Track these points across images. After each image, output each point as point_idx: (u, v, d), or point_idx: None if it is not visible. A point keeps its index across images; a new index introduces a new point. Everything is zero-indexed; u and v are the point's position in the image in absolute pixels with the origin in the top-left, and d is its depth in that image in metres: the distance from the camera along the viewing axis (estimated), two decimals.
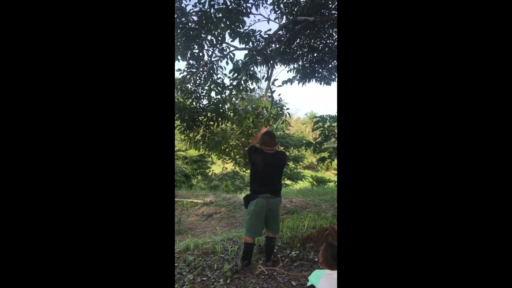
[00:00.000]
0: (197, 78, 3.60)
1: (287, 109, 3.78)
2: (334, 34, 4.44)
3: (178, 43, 3.31)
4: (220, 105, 3.54)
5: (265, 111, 3.42)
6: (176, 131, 3.49)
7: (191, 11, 3.37)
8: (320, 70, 5.18)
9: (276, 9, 4.12)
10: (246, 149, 3.72)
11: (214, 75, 3.69)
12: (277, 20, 4.30)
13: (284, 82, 5.40)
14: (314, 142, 4.31)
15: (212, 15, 3.32)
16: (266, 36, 4.01)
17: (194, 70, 3.56)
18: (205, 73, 3.64)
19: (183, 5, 3.24)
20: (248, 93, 3.98)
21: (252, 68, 3.73)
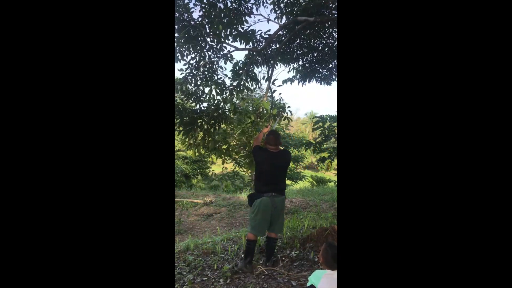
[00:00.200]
0: (198, 78, 3.59)
1: (289, 107, 3.78)
2: (334, 34, 4.44)
3: (181, 42, 3.31)
4: (221, 106, 3.54)
5: (265, 111, 3.42)
6: (175, 134, 3.49)
7: (192, 9, 3.36)
8: (320, 70, 5.18)
9: (276, 9, 4.12)
10: (247, 150, 3.72)
11: (215, 75, 3.69)
12: (277, 20, 4.30)
13: (284, 81, 5.40)
14: (314, 142, 4.31)
15: (212, 16, 3.32)
16: (267, 36, 4.01)
17: (194, 71, 3.55)
18: (206, 73, 3.64)
19: (186, 1, 3.23)
20: (249, 93, 3.98)
21: (252, 69, 3.73)
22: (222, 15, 3.29)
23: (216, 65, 3.68)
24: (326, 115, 4.19)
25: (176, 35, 3.26)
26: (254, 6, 3.79)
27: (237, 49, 3.70)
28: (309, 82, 5.32)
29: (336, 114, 4.06)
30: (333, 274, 1.53)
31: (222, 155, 3.69)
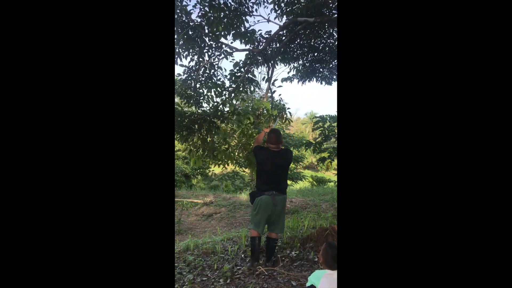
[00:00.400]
0: (197, 80, 3.58)
1: (288, 108, 3.78)
2: (335, 34, 4.44)
3: (179, 44, 3.30)
4: (220, 107, 3.54)
5: (265, 112, 3.42)
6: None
7: (191, 10, 3.36)
8: (321, 69, 5.17)
9: (277, 8, 4.11)
10: (246, 153, 3.71)
11: (214, 77, 3.68)
12: (277, 20, 4.31)
13: (284, 80, 5.39)
14: (314, 142, 4.31)
15: (212, 18, 3.31)
16: (267, 36, 4.01)
17: (192, 74, 3.54)
18: (205, 74, 3.63)
19: (184, 3, 3.22)
20: (248, 94, 3.98)
21: (252, 70, 3.73)
22: (222, 15, 3.28)
23: (216, 66, 3.67)
24: (326, 115, 4.19)
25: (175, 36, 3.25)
26: (254, 6, 3.79)
27: (237, 50, 3.70)
28: (310, 81, 5.32)
29: (336, 114, 4.06)
30: (333, 274, 1.53)
31: (220, 162, 3.69)
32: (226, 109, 3.55)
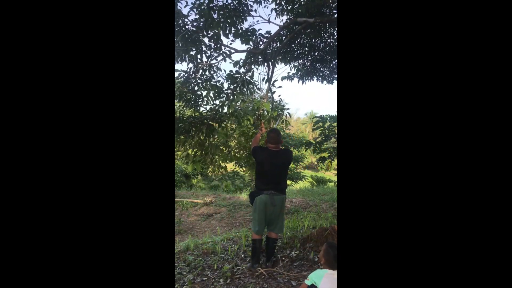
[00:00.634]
0: (195, 83, 3.57)
1: (287, 109, 3.78)
2: (335, 34, 4.44)
3: (177, 47, 3.30)
4: (219, 109, 3.53)
5: (265, 113, 3.41)
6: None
7: (189, 12, 3.36)
8: (322, 68, 5.18)
9: (277, 6, 4.11)
10: (246, 153, 3.71)
11: (212, 78, 3.67)
12: (277, 18, 4.32)
13: (284, 78, 5.39)
14: (314, 142, 4.31)
15: (213, 15, 3.31)
16: (267, 35, 4.01)
17: (190, 76, 3.53)
18: (204, 76, 3.62)
19: (178, 7, 3.21)
20: (247, 95, 3.97)
21: (251, 71, 3.72)
22: (221, 13, 3.28)
23: (215, 68, 3.66)
24: (326, 115, 4.19)
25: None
26: (254, 4, 3.79)
27: (236, 51, 3.69)
28: (311, 81, 5.33)
29: (336, 114, 4.06)
30: (334, 274, 1.53)
31: (218, 167, 3.68)
32: (225, 110, 3.55)
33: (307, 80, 5.37)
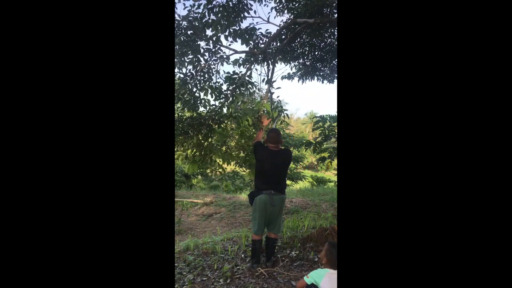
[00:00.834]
0: (194, 84, 3.56)
1: (285, 110, 3.79)
2: (336, 33, 4.44)
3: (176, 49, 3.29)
4: (218, 110, 3.53)
5: (266, 113, 3.41)
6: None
7: (188, 15, 3.35)
8: (322, 68, 5.18)
9: (277, 4, 4.11)
10: (245, 154, 3.70)
11: (211, 80, 3.67)
12: (277, 18, 4.32)
13: (284, 78, 5.38)
14: (314, 142, 4.31)
15: (212, 14, 3.30)
16: (267, 34, 4.01)
17: (188, 78, 3.52)
18: (203, 78, 3.61)
19: (176, 9, 3.22)
20: (247, 95, 3.96)
21: (250, 72, 3.72)
22: (220, 12, 3.27)
23: (213, 70, 3.65)
24: (326, 115, 4.19)
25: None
26: (253, 3, 3.79)
27: (236, 51, 3.69)
28: (311, 80, 5.33)
29: (336, 114, 4.06)
30: (335, 273, 1.53)
31: (216, 167, 3.68)
32: (224, 111, 3.55)
33: (307, 80, 5.38)
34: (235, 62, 3.70)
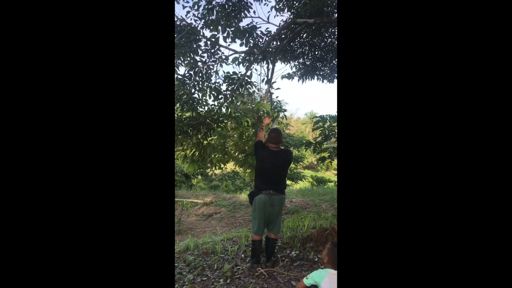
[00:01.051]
0: (193, 85, 3.56)
1: (284, 110, 3.78)
2: (336, 33, 4.44)
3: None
4: (217, 111, 3.53)
5: (266, 114, 3.41)
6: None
7: (188, 16, 3.36)
8: (322, 68, 5.18)
9: (278, 3, 4.11)
10: (244, 155, 3.70)
11: (210, 80, 3.67)
12: (277, 18, 4.33)
13: (284, 77, 5.38)
14: (314, 142, 4.30)
15: (211, 15, 3.30)
16: (267, 33, 4.01)
17: (187, 79, 3.52)
18: (202, 78, 3.60)
19: (176, 8, 3.23)
20: (246, 95, 3.96)
21: (250, 73, 3.72)
22: (220, 11, 3.27)
23: (212, 71, 3.64)
24: (326, 115, 4.18)
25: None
26: (253, 2, 3.81)
27: (235, 52, 3.69)
28: (311, 79, 5.33)
29: (336, 114, 4.06)
30: (336, 274, 1.53)
31: (216, 166, 3.68)
32: (223, 111, 3.54)
33: (307, 79, 5.37)
34: (234, 60, 3.69)
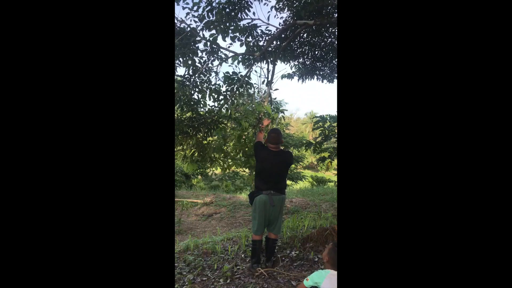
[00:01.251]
0: (192, 86, 3.55)
1: (282, 111, 3.79)
2: (336, 33, 4.44)
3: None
4: (217, 112, 3.53)
5: (266, 115, 3.41)
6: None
7: (187, 17, 3.35)
8: (322, 67, 5.18)
9: (278, 2, 4.11)
10: (244, 157, 3.70)
11: (210, 82, 3.66)
12: (277, 17, 4.33)
13: (284, 77, 5.38)
14: (314, 142, 4.30)
15: (211, 15, 3.30)
16: (267, 32, 4.02)
17: (186, 80, 3.52)
18: (201, 80, 3.60)
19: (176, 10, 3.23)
20: (247, 96, 3.96)
21: (249, 74, 3.72)
22: (220, 10, 3.27)
23: (211, 72, 3.64)
24: (326, 115, 4.18)
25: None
26: (253, 1, 3.81)
27: (236, 53, 3.69)
28: (311, 79, 5.32)
29: (336, 114, 4.06)
30: (336, 274, 1.53)
31: (217, 165, 3.69)
32: (223, 112, 3.54)
33: (307, 79, 5.37)
34: (234, 59, 3.69)
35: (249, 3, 3.65)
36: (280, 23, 4.36)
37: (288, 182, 10.93)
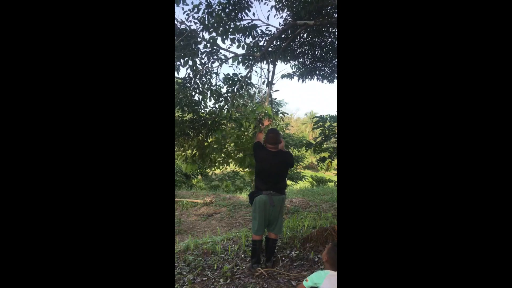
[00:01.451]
0: (193, 88, 3.55)
1: (281, 112, 3.79)
2: (336, 33, 4.44)
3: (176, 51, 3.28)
4: (218, 113, 3.53)
5: (267, 116, 3.41)
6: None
7: (188, 19, 3.36)
8: (322, 67, 5.18)
9: (277, 2, 4.12)
10: (243, 156, 3.70)
11: (210, 83, 3.66)
12: (277, 16, 4.33)
13: (284, 77, 5.37)
14: (314, 142, 4.31)
15: (211, 17, 3.30)
16: (267, 31, 4.02)
17: (186, 82, 3.51)
18: (201, 81, 3.60)
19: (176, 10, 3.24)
20: (246, 97, 3.96)
21: (249, 74, 3.72)
22: (220, 10, 3.27)
23: (211, 73, 3.64)
24: (326, 115, 4.18)
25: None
26: (254, 1, 3.81)
27: (236, 54, 3.68)
28: (311, 79, 5.32)
29: (336, 114, 4.06)
30: (336, 275, 1.53)
31: (217, 165, 3.69)
32: (224, 114, 3.55)
33: (307, 79, 5.37)
34: (234, 60, 3.69)
35: (249, 2, 3.65)
36: (280, 23, 4.36)
37: (288, 182, 10.93)
